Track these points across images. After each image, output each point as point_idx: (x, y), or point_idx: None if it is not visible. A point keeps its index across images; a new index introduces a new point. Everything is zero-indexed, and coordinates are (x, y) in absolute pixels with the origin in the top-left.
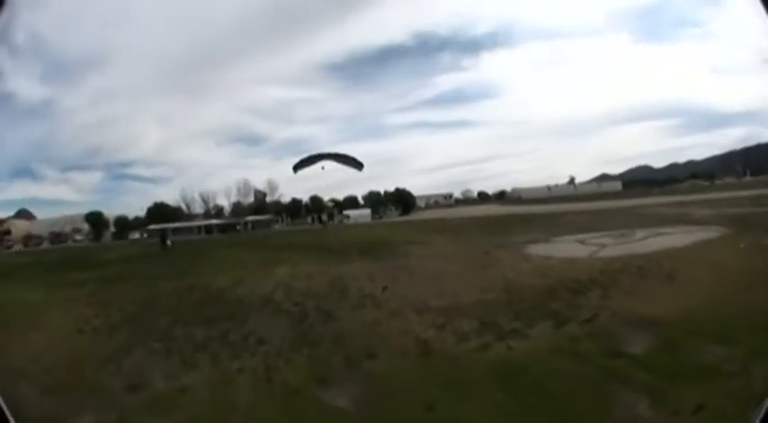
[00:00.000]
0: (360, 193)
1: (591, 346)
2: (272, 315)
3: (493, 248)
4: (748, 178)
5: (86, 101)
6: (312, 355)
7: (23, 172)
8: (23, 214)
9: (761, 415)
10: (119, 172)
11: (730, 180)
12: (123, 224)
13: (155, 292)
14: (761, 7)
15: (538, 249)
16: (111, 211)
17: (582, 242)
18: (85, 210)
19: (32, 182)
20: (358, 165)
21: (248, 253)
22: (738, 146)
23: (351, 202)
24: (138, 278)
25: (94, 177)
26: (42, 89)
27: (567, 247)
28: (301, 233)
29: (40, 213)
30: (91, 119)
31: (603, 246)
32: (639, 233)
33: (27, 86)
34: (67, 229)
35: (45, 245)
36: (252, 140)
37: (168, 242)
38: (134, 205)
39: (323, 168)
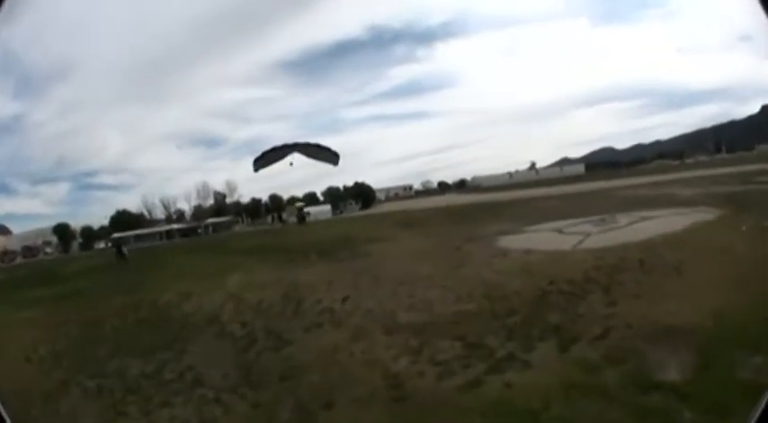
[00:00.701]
0: (318, 189)
1: (614, 375)
2: (215, 340)
3: (463, 242)
4: (724, 155)
5: (52, 113)
6: (256, 402)
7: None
8: (2, 230)
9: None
10: (84, 182)
11: (702, 158)
12: (89, 234)
13: (103, 310)
14: None
15: (513, 241)
16: (79, 222)
17: (560, 231)
18: (55, 222)
19: (6, 197)
20: (333, 157)
21: (204, 259)
22: (708, 124)
23: (310, 198)
24: (91, 294)
25: (62, 189)
26: (13, 104)
27: (545, 238)
28: (261, 234)
29: (16, 228)
30: (57, 131)
31: (587, 234)
32: (622, 218)
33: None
34: (39, 242)
35: (18, 259)
36: (211, 143)
37: (125, 251)
38: (100, 215)
39: (291, 164)
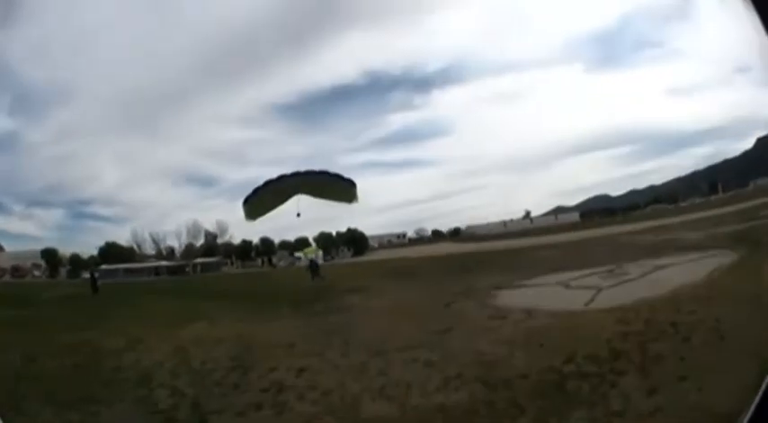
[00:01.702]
0: (311, 233)
1: None
2: (132, 408)
3: (454, 297)
4: (721, 195)
5: (50, 136)
6: None
7: None
8: None
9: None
10: (78, 210)
11: (697, 200)
12: (76, 263)
13: (46, 345)
14: (739, 14)
15: (512, 298)
16: (69, 249)
17: (566, 285)
18: (47, 246)
19: (0, 215)
20: (347, 189)
21: (175, 302)
22: (702, 165)
23: (302, 243)
24: (48, 325)
25: (56, 214)
26: (10, 122)
27: (549, 294)
28: (245, 278)
29: (9, 246)
30: (53, 155)
31: (597, 289)
32: (633, 268)
33: None
34: (29, 264)
35: (7, 278)
36: (206, 182)
37: (98, 285)
38: (91, 244)
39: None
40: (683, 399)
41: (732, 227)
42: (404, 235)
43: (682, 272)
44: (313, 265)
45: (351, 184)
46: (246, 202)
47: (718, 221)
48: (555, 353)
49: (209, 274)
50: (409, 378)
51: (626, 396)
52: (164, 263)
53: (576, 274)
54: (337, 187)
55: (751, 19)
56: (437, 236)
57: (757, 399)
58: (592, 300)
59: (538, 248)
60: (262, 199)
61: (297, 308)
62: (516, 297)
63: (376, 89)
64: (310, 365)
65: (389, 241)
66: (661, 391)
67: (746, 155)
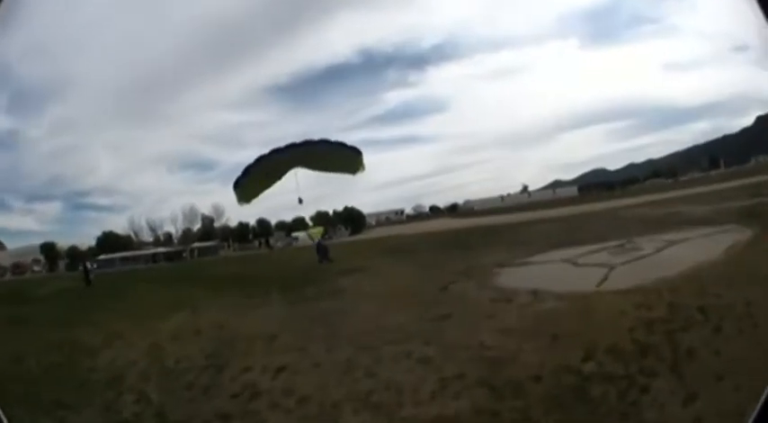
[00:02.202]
0: (308, 214)
1: None
2: (96, 416)
3: (453, 277)
4: (722, 170)
5: (46, 131)
6: None
7: None
8: None
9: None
10: (77, 202)
11: (696, 175)
12: (74, 255)
13: (33, 345)
14: None
15: (516, 277)
16: (70, 242)
17: (574, 262)
18: (47, 240)
19: (1, 212)
20: (352, 157)
21: (162, 290)
22: (701, 140)
23: (299, 223)
24: (37, 322)
25: (55, 207)
26: (7, 119)
27: (556, 272)
28: (239, 261)
29: (9, 244)
30: (50, 149)
31: (609, 267)
32: (644, 243)
33: None
34: (29, 259)
35: (8, 276)
36: (203, 166)
37: (91, 277)
38: (91, 235)
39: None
40: (723, 402)
41: (738, 202)
42: (402, 212)
43: (697, 248)
44: (321, 249)
45: (355, 153)
46: (237, 184)
47: (723, 196)
48: (570, 346)
49: (206, 258)
50: (400, 380)
51: (658, 402)
52: (161, 249)
53: (583, 249)
54: (340, 156)
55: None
56: (435, 212)
57: (763, 398)
58: (605, 279)
59: (538, 223)
60: (254, 179)
61: (287, 293)
62: (520, 276)
63: (371, 67)
64: (290, 364)
65: (387, 218)
66: (700, 397)
67: (746, 132)
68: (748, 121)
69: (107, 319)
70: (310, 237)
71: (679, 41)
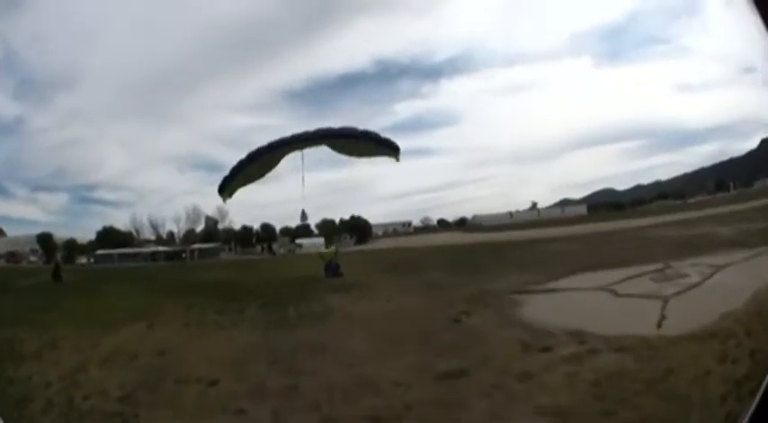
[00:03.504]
0: (313, 221)
1: None
2: None
3: (465, 305)
4: (733, 192)
5: (54, 121)
6: None
7: None
8: None
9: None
10: (83, 195)
11: (702, 197)
12: (71, 247)
13: None
14: (745, 15)
15: (546, 309)
16: (75, 234)
17: (613, 291)
18: (51, 231)
19: (4, 200)
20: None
21: (133, 294)
22: (708, 163)
23: (304, 230)
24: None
25: (60, 199)
26: (14, 106)
27: (595, 304)
28: (233, 266)
29: (11, 231)
30: (58, 139)
31: (662, 299)
32: (686, 268)
33: (1, 102)
34: (27, 249)
35: (1, 263)
36: (212, 167)
37: (62, 274)
38: (95, 229)
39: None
40: None
41: (756, 224)
42: (409, 224)
43: (744, 273)
44: (331, 266)
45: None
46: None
47: (739, 218)
48: None
49: (206, 260)
50: None
51: None
52: (161, 248)
53: (616, 274)
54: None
55: (755, 21)
56: (443, 225)
57: (757, 399)
58: (663, 318)
59: (553, 241)
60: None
61: (266, 310)
62: (550, 308)
63: (384, 77)
64: None
65: (395, 230)
66: None
67: (751, 155)
68: (753, 144)
69: (57, 321)
70: (321, 257)
71: (690, 62)
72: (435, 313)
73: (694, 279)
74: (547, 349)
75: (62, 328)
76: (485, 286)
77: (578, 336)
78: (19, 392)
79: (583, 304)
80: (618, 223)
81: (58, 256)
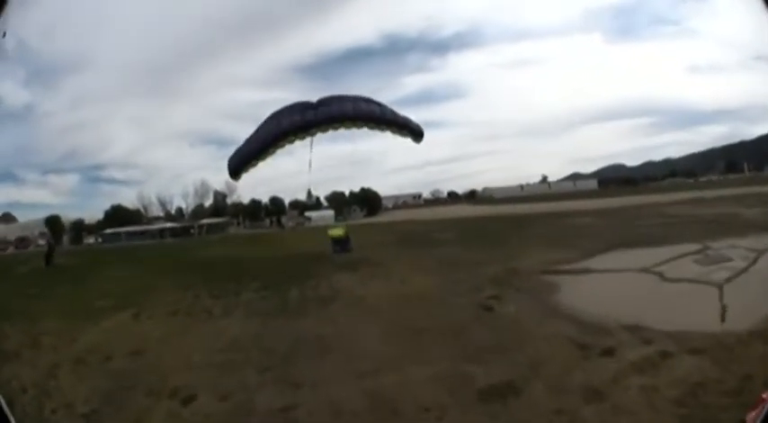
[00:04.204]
0: (323, 193)
1: None
2: None
3: (492, 287)
4: (747, 174)
5: (63, 104)
6: None
7: (6, 176)
8: (6, 218)
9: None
10: (93, 175)
11: (713, 177)
12: (79, 228)
13: None
14: (753, 3)
15: (587, 294)
16: (87, 215)
17: (659, 274)
18: (62, 213)
19: (14, 185)
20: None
21: (124, 278)
22: (719, 144)
23: (313, 202)
24: None
25: (70, 181)
26: (24, 93)
27: (643, 290)
28: (242, 241)
29: (22, 216)
30: (67, 122)
31: (716, 286)
32: (727, 250)
33: (11, 91)
34: (36, 232)
35: (10, 250)
36: (222, 142)
37: (53, 259)
38: (106, 208)
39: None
40: None
41: None
42: (419, 196)
43: None
44: (339, 245)
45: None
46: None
47: (763, 200)
48: None
49: (214, 235)
50: None
51: None
52: (169, 224)
53: (653, 254)
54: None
55: (763, 8)
56: (453, 197)
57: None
58: (725, 309)
59: (572, 215)
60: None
61: (265, 293)
62: (590, 292)
63: (393, 51)
64: None
65: (404, 202)
66: None
67: (761, 139)
68: (763, 129)
69: (42, 312)
70: (330, 236)
71: (698, 45)
72: (459, 298)
73: (739, 263)
74: (609, 352)
75: (46, 320)
76: (510, 264)
77: (638, 332)
78: (6, 395)
79: (629, 289)
80: (633, 199)
81: (51, 238)
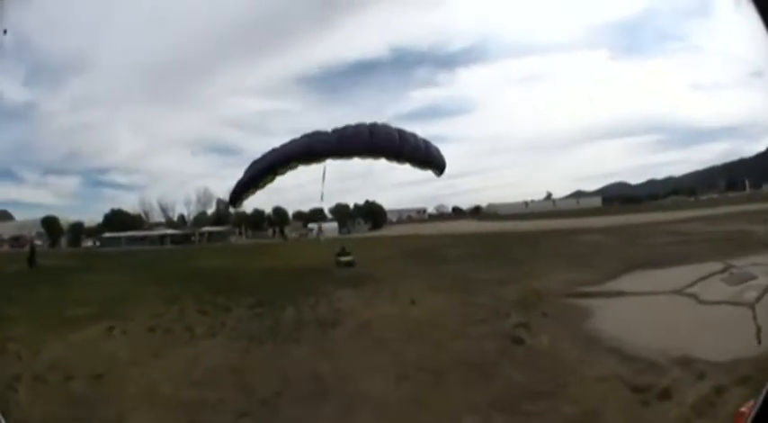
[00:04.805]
0: (326, 206)
1: None
2: None
3: (520, 315)
4: (748, 191)
5: (66, 105)
6: None
7: (5, 174)
8: (2, 215)
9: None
10: (95, 178)
11: (713, 196)
12: (78, 230)
13: None
14: (753, 19)
15: (625, 323)
16: (87, 218)
17: (695, 297)
18: (62, 214)
19: (13, 184)
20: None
21: (110, 284)
22: (719, 161)
23: (317, 214)
24: None
25: (71, 182)
26: (25, 91)
27: (681, 314)
28: (241, 251)
29: (21, 216)
30: (70, 123)
31: (749, 306)
32: (751, 269)
33: (11, 88)
34: (32, 233)
35: (5, 248)
36: (227, 151)
37: (36, 260)
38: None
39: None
40: None
41: None
42: (424, 211)
43: None
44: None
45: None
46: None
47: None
48: None
49: (215, 244)
50: None
51: None
52: (169, 231)
53: (679, 274)
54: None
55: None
56: (457, 213)
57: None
58: (759, 330)
59: (584, 232)
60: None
61: (258, 311)
62: (626, 318)
63: (400, 65)
64: None
65: (409, 216)
66: None
67: (760, 157)
68: (762, 146)
69: (16, 316)
70: (338, 264)
71: (702, 62)
72: (480, 325)
73: (764, 281)
74: (666, 395)
75: (18, 325)
76: (528, 284)
77: (689, 365)
78: None
79: (666, 314)
80: (641, 217)
81: (33, 240)
